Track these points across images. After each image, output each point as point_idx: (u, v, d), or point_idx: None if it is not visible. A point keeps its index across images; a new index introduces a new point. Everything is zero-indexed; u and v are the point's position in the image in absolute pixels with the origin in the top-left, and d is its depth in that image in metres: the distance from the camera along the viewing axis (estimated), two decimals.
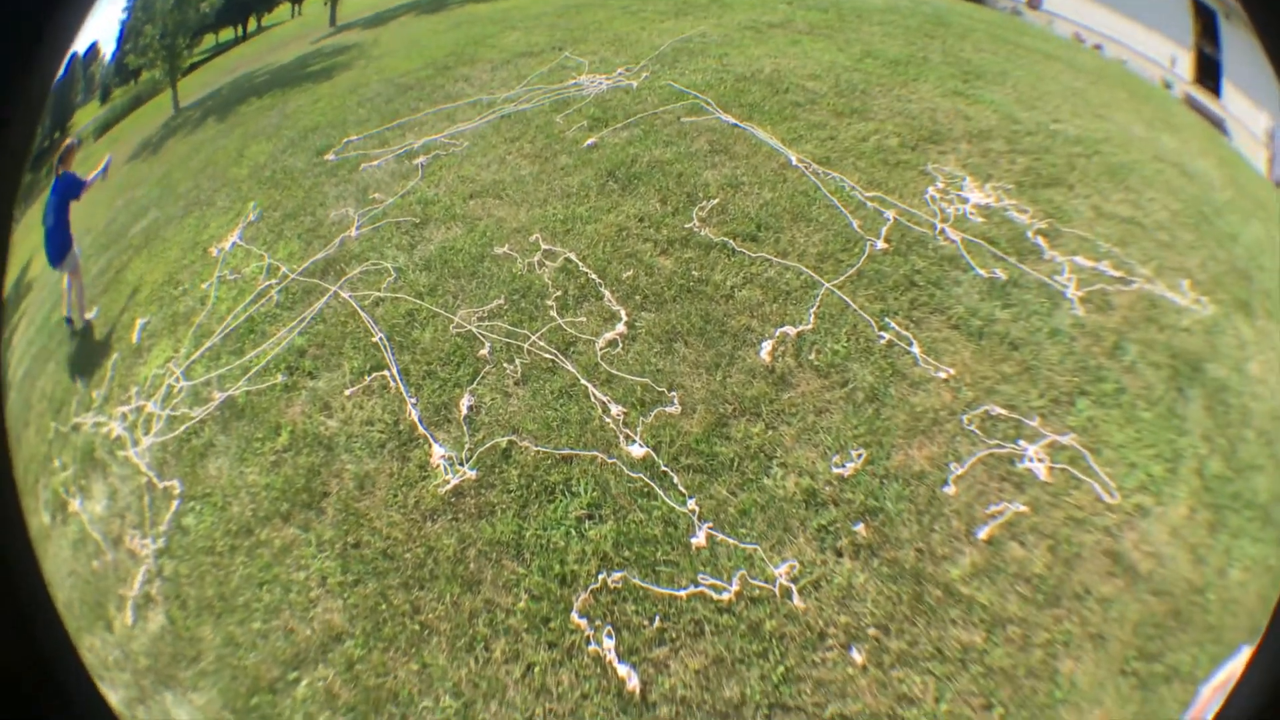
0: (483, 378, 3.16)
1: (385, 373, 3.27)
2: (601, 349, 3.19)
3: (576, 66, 5.24)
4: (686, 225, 3.73)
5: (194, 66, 9.01)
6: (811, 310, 3.23)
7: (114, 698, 2.75)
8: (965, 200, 3.76)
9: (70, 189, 4.85)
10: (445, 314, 3.46)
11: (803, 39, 5.25)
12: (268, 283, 3.97)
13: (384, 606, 2.59)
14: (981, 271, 3.37)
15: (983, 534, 2.51)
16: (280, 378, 3.42)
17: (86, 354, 4.44)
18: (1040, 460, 2.70)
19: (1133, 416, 2.87)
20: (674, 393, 2.98)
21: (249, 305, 3.88)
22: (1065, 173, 3.93)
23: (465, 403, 3.08)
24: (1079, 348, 3.09)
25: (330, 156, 4.85)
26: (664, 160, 4.17)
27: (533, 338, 3.28)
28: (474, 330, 3.36)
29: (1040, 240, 3.52)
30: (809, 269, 3.41)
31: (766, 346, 3.11)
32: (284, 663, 2.56)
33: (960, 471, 2.66)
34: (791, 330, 3.16)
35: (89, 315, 5.02)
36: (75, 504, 3.48)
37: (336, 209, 4.29)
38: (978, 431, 2.78)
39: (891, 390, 2.93)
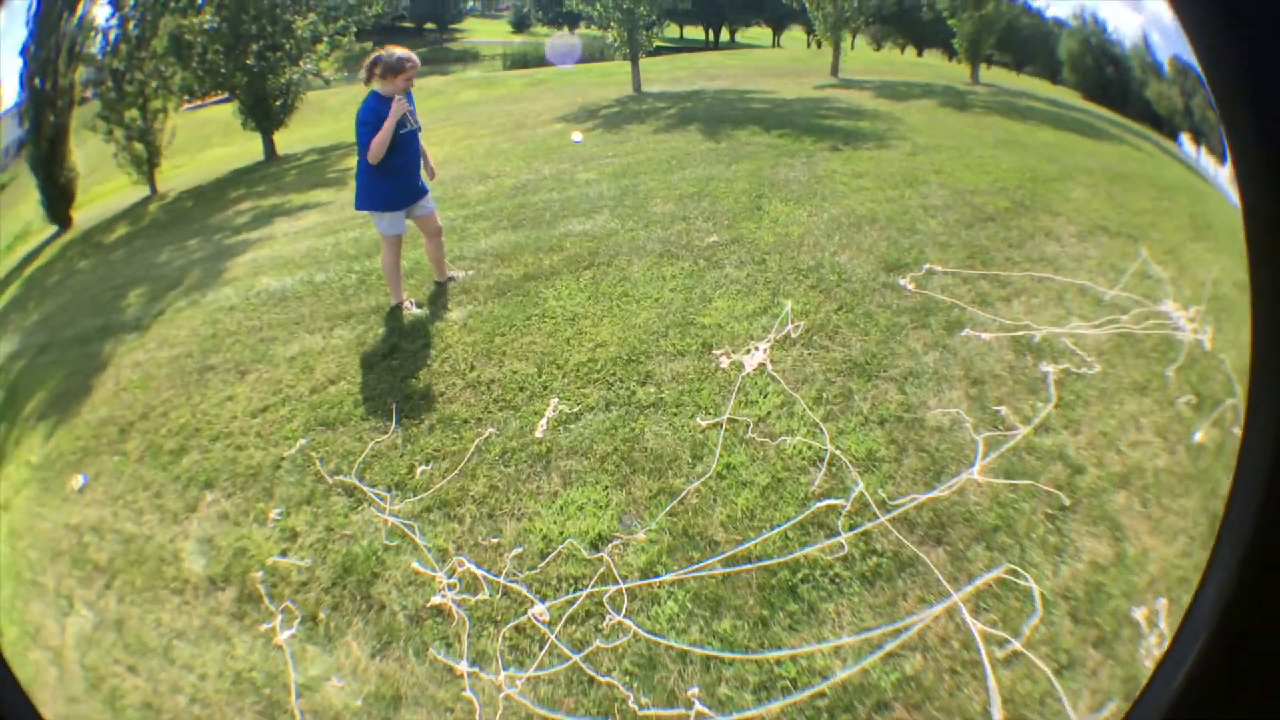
0: None
1: None
2: None
3: (1156, 280, 3.52)
4: None
5: (659, 50, 8.33)
6: None
7: None
8: None
9: (366, 121, 3.20)
10: None
11: None
12: (831, 502, 2.30)
13: None
14: None
15: None
16: None
17: (428, 397, 2.97)
18: None
19: None
20: None
21: (798, 525, 2.23)
22: None
23: None
24: None
25: (905, 284, 3.40)
26: None
27: None
28: None
29: None
30: None
31: None
32: None
33: None
34: None
35: (452, 274, 3.79)
36: (280, 631, 2.12)
37: (937, 398, 2.71)
38: None
39: None
